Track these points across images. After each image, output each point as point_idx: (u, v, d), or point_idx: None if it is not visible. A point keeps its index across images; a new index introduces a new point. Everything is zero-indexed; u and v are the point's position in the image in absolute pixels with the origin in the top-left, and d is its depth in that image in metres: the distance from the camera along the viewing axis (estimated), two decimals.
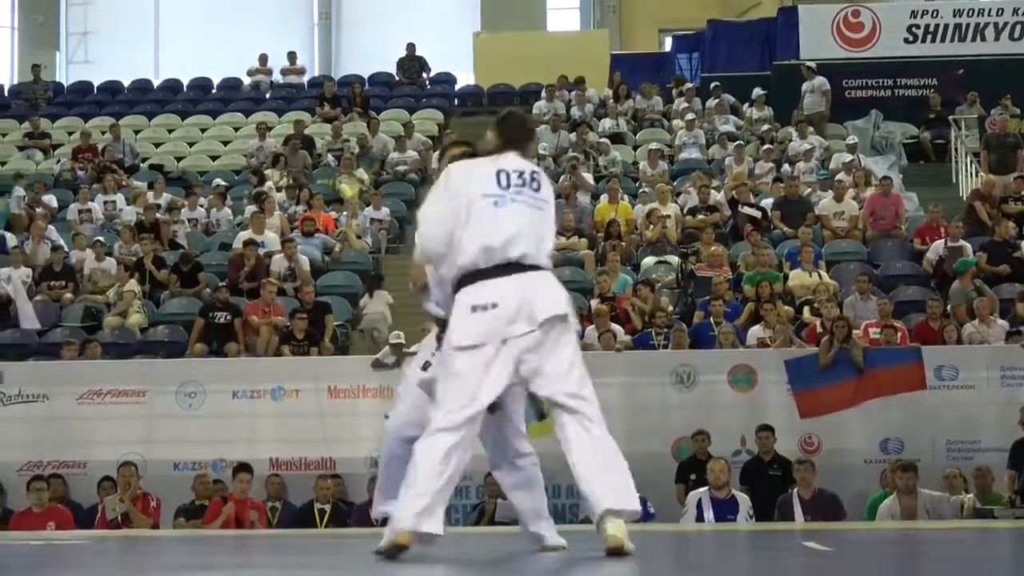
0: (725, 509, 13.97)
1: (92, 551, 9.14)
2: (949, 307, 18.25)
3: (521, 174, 7.08)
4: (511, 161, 7.14)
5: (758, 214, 21.46)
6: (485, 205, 6.95)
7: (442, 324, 7.09)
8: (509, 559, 7.31)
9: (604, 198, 22.50)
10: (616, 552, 6.54)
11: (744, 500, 14.14)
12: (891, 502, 14.26)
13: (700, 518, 13.87)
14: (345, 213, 22.38)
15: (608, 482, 6.75)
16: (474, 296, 6.81)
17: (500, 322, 6.74)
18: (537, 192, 7.06)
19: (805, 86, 26.43)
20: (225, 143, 28.27)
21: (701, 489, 14.27)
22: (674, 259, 20.18)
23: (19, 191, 23.86)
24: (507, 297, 6.77)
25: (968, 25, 27.80)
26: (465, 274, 6.88)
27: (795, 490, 14.56)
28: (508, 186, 7.02)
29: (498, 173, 7.06)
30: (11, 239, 22.04)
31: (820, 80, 26.49)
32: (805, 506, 14.38)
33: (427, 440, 6.69)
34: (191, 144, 28.38)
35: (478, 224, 6.91)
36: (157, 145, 28.33)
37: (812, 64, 26.61)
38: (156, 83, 33.43)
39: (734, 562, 7.44)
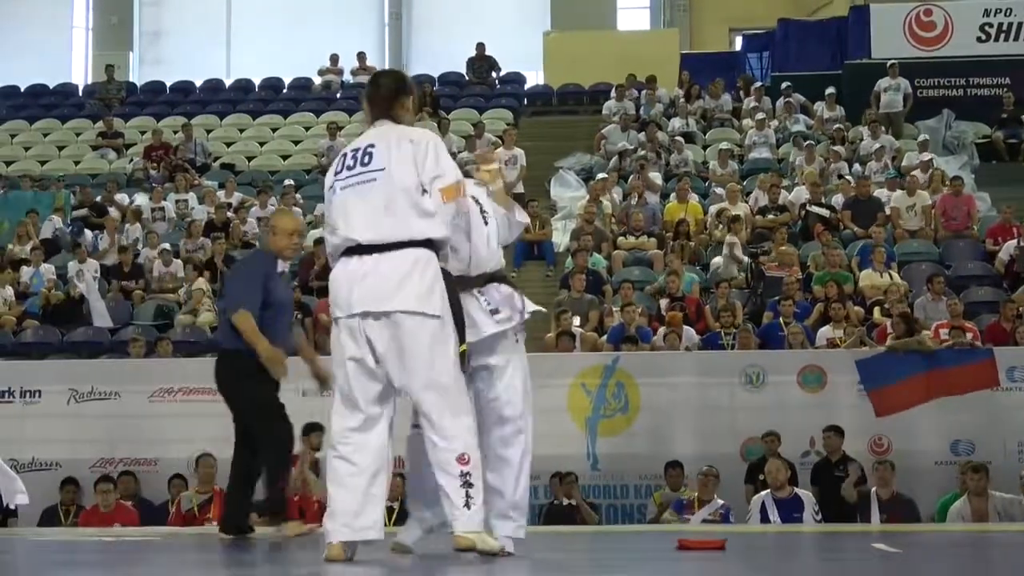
0: (790, 509, 13.89)
1: (167, 547, 9.21)
2: (1022, 308, 18.10)
3: (355, 152, 7.02)
4: (360, 138, 7.12)
5: (828, 214, 21.36)
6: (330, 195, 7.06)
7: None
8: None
9: (673, 197, 22.46)
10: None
11: (809, 499, 14.05)
12: (962, 504, 14.15)
13: (765, 520, 13.82)
14: None
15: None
16: None
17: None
18: (367, 165, 6.93)
19: (884, 83, 26.22)
20: (296, 143, 28.40)
21: (763, 492, 14.22)
22: (743, 259, 20.10)
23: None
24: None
25: None
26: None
27: (873, 489, 14.50)
28: (340, 171, 7.02)
29: (339, 159, 7.10)
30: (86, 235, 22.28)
31: (903, 81, 26.29)
32: (882, 506, 14.32)
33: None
34: (262, 144, 28.54)
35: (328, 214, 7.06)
36: (228, 144, 28.51)
37: (895, 62, 26.40)
38: (228, 83, 33.63)
39: (799, 564, 7.42)
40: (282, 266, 9.86)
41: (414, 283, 6.74)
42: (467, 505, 6.66)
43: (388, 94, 7.16)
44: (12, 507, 13.24)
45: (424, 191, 6.80)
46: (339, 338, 6.91)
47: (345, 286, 6.84)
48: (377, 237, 6.78)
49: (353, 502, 6.77)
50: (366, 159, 6.92)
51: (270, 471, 9.61)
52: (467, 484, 6.67)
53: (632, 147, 25.14)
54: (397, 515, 14.93)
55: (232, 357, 9.58)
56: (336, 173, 7.01)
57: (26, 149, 29.03)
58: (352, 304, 6.80)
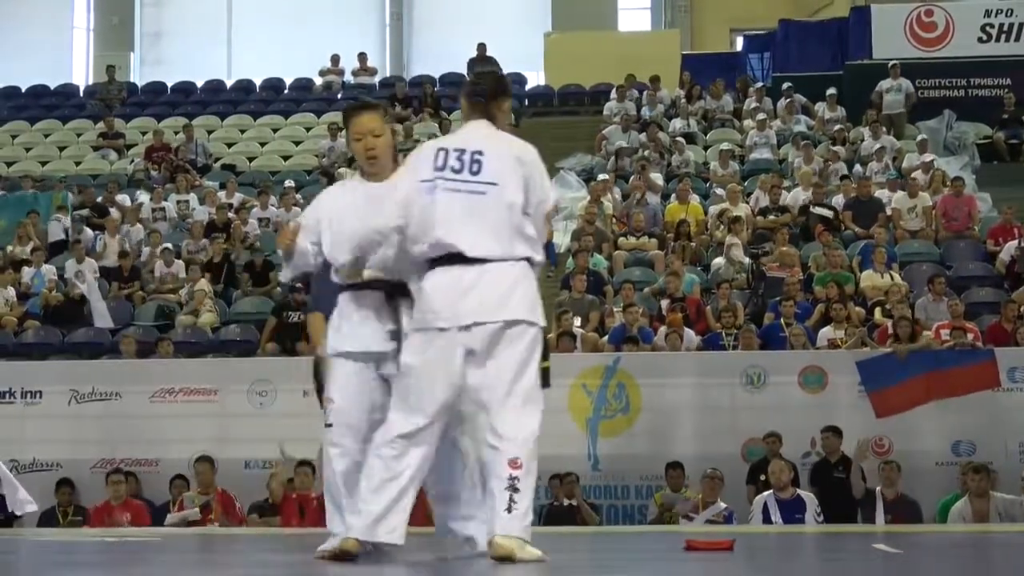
0: (792, 510, 13.91)
1: (170, 547, 9.22)
2: (1023, 309, 18.10)
3: (461, 155, 6.88)
4: (461, 137, 7.03)
5: (830, 214, 21.37)
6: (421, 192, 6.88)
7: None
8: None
9: (674, 198, 22.45)
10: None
11: (811, 500, 14.06)
12: (963, 505, 14.16)
13: (767, 520, 13.82)
14: None
15: None
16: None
17: None
18: (477, 175, 6.82)
19: (885, 84, 26.23)
20: (297, 143, 28.42)
21: (766, 492, 14.22)
22: (744, 259, 20.09)
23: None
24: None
25: None
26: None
27: (878, 489, 14.50)
28: (443, 167, 6.86)
29: (437, 153, 6.94)
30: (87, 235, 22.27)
31: (904, 81, 26.29)
32: (887, 506, 14.33)
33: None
34: (263, 144, 28.55)
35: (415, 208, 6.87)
36: (229, 145, 28.53)
37: (896, 63, 26.40)
38: (229, 83, 33.67)
39: (803, 564, 7.42)
40: None
41: (520, 294, 6.73)
42: (509, 509, 6.53)
43: (488, 94, 7.06)
44: (19, 515, 13.29)
45: (527, 213, 6.78)
46: (423, 345, 6.81)
47: (445, 296, 6.74)
48: (484, 252, 6.72)
49: (381, 508, 6.72)
50: (475, 167, 6.80)
51: None
52: (512, 488, 6.55)
53: (632, 147, 25.15)
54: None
55: None
56: (438, 169, 6.85)
57: (27, 150, 29.04)
58: (460, 315, 6.70)
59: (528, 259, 6.80)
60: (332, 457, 7.22)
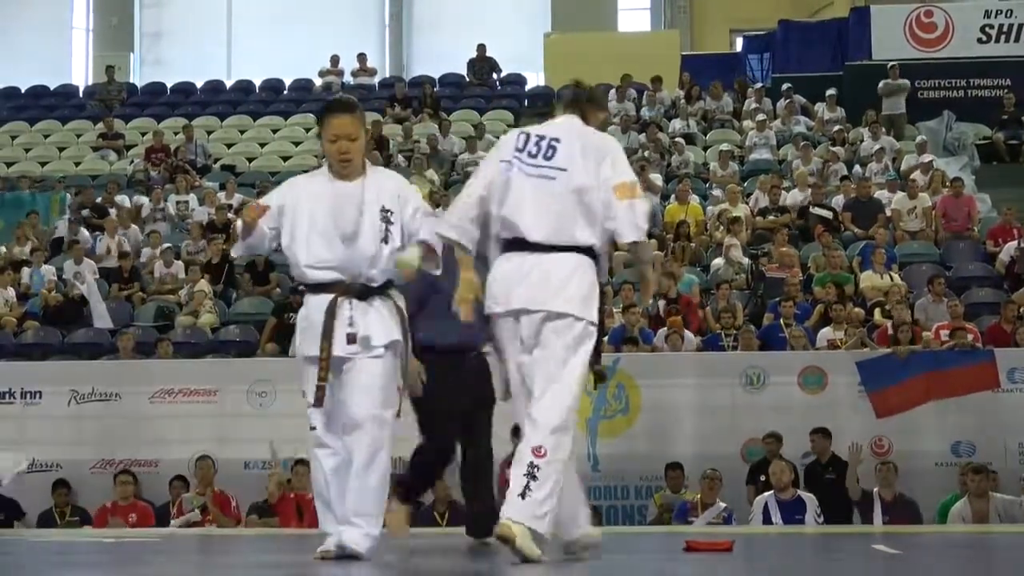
0: (792, 510, 13.89)
1: (169, 548, 9.22)
2: (1023, 309, 18.10)
3: (540, 140, 6.97)
4: (546, 125, 7.06)
5: (829, 215, 21.37)
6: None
7: None
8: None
9: (673, 199, 22.45)
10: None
11: (811, 501, 14.02)
12: (962, 505, 14.15)
13: (767, 521, 13.81)
14: None
15: None
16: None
17: None
18: (550, 160, 6.89)
19: (884, 87, 26.23)
20: (296, 144, 28.40)
21: (767, 493, 14.21)
22: (744, 260, 20.08)
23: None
24: None
25: None
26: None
27: (876, 490, 14.50)
28: (522, 149, 6.95)
29: (519, 136, 7.03)
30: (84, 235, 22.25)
31: (904, 82, 26.29)
32: (885, 507, 14.32)
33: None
34: (263, 145, 28.54)
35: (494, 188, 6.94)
36: (229, 146, 28.52)
37: (895, 63, 26.40)
38: (228, 84, 33.63)
39: (803, 564, 7.42)
40: None
41: (574, 287, 6.73)
42: (522, 495, 6.51)
43: (586, 97, 7.19)
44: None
45: (599, 198, 6.79)
46: (499, 334, 6.93)
47: (504, 282, 6.82)
48: (544, 238, 6.76)
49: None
50: (550, 152, 6.88)
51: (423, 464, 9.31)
52: (530, 475, 6.53)
53: (632, 148, 25.14)
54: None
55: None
56: (517, 151, 6.94)
57: (27, 150, 29.01)
58: (511, 300, 6.78)
59: (591, 248, 6.81)
60: (320, 458, 7.24)
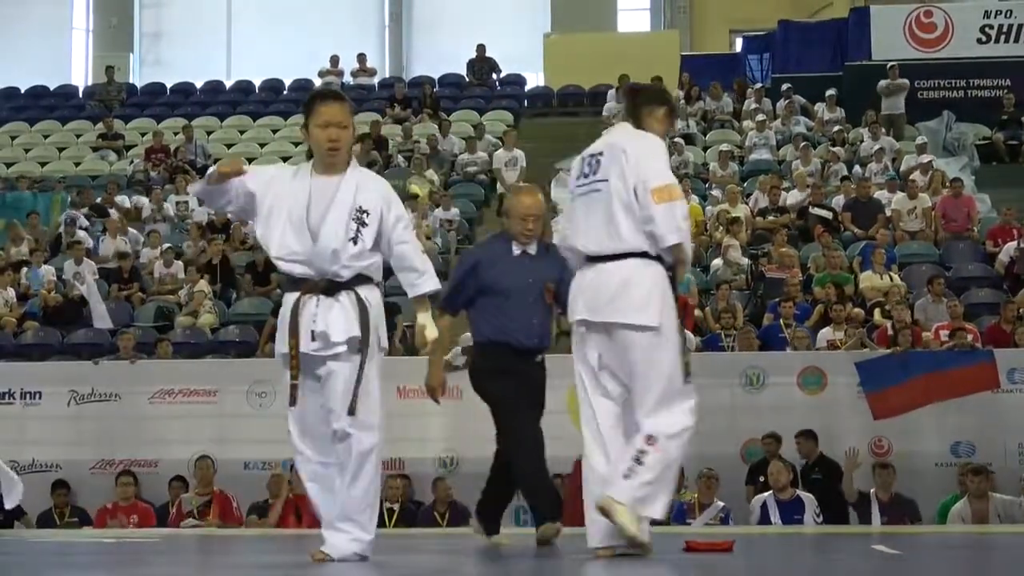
0: (791, 510, 13.88)
1: (169, 548, 9.22)
2: (1022, 310, 18.09)
3: (590, 159, 7.19)
4: (599, 141, 7.28)
5: (829, 215, 21.37)
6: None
7: None
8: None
9: None
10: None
11: (810, 501, 13.99)
12: (962, 506, 14.13)
13: (766, 521, 13.80)
14: (415, 214, 22.41)
15: None
16: None
17: None
18: (596, 174, 7.11)
19: (884, 87, 26.22)
20: (296, 144, 28.35)
21: (765, 493, 14.21)
22: (743, 260, 20.07)
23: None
24: None
25: None
26: None
27: (873, 491, 14.49)
28: (579, 175, 7.23)
29: (580, 162, 7.26)
30: (84, 236, 22.23)
31: (903, 82, 26.29)
32: (882, 508, 14.31)
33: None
34: (262, 145, 28.52)
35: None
36: (229, 146, 28.49)
37: (895, 64, 26.39)
38: (228, 84, 33.67)
39: (801, 564, 7.42)
40: (518, 248, 8.82)
41: (630, 295, 6.93)
42: (626, 476, 6.79)
43: (641, 101, 7.35)
44: (10, 508, 13.26)
45: (637, 200, 6.95)
46: (576, 344, 7.20)
47: (576, 295, 7.15)
48: (599, 249, 7.02)
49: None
50: (594, 166, 7.12)
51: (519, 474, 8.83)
52: (637, 460, 6.81)
53: None
54: (398, 517, 15.01)
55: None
56: (575, 178, 7.25)
57: (26, 151, 29.03)
58: (575, 312, 7.11)
59: (646, 253, 6.98)
60: (298, 464, 7.26)
